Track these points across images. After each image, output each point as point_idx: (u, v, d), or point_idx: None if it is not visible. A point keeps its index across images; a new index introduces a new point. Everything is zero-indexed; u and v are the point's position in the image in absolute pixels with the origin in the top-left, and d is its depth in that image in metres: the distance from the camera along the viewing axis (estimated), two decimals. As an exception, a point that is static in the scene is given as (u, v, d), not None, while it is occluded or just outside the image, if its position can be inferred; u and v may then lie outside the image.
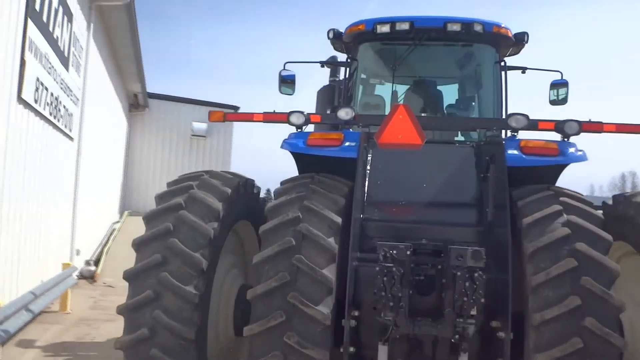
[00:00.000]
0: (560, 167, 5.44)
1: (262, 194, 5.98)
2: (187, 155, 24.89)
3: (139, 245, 4.46)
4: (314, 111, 7.78)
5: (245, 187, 5.22)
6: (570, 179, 5.84)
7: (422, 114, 6.84)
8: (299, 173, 5.58)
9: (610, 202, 5.24)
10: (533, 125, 5.26)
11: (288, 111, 5.49)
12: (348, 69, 7.58)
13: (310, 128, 5.81)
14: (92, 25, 13.22)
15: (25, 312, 7.21)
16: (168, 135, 24.50)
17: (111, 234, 18.22)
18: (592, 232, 4.28)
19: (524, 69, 7.30)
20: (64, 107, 11.09)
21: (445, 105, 7.50)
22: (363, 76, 7.53)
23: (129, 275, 4.39)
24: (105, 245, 16.75)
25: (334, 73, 8.34)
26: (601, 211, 4.90)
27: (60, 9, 10.25)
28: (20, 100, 8.32)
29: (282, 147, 5.37)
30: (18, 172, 8.50)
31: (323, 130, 6.59)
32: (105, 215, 18.60)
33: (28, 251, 9.26)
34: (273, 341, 4.06)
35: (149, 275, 4.30)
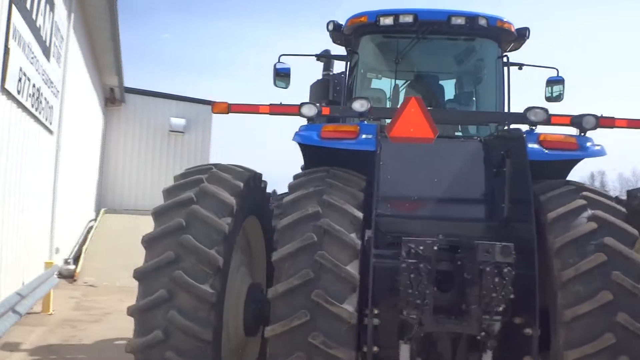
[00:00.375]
0: (574, 162, 5.35)
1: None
2: (164, 152, 24.38)
3: (149, 242, 4.19)
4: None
5: (254, 181, 4.99)
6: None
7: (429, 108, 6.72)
8: (307, 166, 5.35)
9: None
10: (548, 119, 5.15)
11: (299, 103, 5.28)
12: (348, 62, 7.41)
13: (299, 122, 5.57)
14: (72, 14, 12.78)
15: (12, 314, 6.85)
16: (145, 131, 23.95)
17: (88, 232, 17.73)
18: (619, 227, 4.17)
19: (520, 65, 7.23)
20: (45, 99, 10.67)
21: (446, 100, 7.37)
22: (364, 69, 7.36)
23: (139, 274, 4.11)
24: (83, 243, 16.27)
25: (327, 67, 8.15)
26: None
27: (43, -3, 9.85)
28: (4, 90, 7.93)
29: (294, 139, 5.14)
30: (0, 164, 8.11)
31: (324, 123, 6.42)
32: (82, 213, 18.09)
33: (10, 246, 8.84)
34: (297, 341, 3.84)
35: (162, 273, 4.02)
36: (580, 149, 4.94)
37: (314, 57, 8.15)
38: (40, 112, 10.25)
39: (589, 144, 5.02)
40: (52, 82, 11.22)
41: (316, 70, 8.30)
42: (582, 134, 5.08)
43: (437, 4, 7.29)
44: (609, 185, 72.24)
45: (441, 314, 4.17)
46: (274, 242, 4.37)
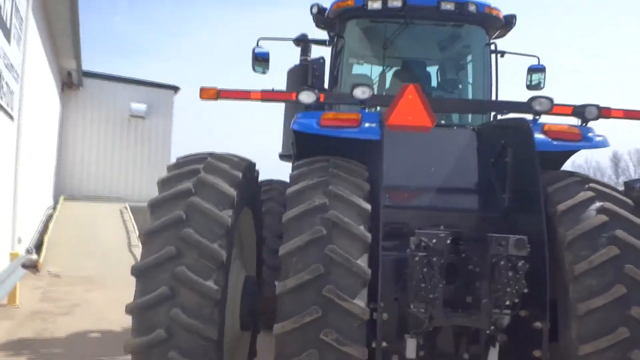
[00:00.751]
0: (572, 153, 5.38)
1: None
2: (125, 137, 23.80)
3: (147, 236, 4.00)
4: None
5: (250, 171, 4.83)
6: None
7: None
8: (304, 156, 5.21)
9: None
10: (552, 109, 5.13)
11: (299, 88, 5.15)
12: (333, 47, 7.28)
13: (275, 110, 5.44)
14: (32, -5, 12.20)
15: (-17, 309, 6.52)
16: (104, 116, 23.30)
17: (48, 221, 17.16)
18: (628, 219, 4.18)
19: (502, 53, 7.24)
20: (6, 83, 10.17)
21: (432, 87, 7.32)
22: (349, 55, 7.22)
23: (138, 270, 3.92)
24: (44, 232, 15.73)
25: (305, 51, 8.00)
26: None
27: (3, -25, 9.35)
28: (-34, 74, 7.50)
29: (292, 127, 4.99)
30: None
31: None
32: (41, 201, 17.48)
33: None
34: (308, 339, 3.72)
35: (163, 269, 3.85)
36: (584, 140, 4.93)
37: (291, 41, 8.02)
38: (1, 98, 9.77)
39: (591, 134, 5.03)
40: (12, 66, 10.70)
41: (291, 55, 8.16)
42: (584, 124, 5.09)
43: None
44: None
45: (450, 307, 4.15)
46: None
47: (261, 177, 5.56)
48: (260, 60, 7.59)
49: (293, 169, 4.72)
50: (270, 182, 7.77)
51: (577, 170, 6.38)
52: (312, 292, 3.78)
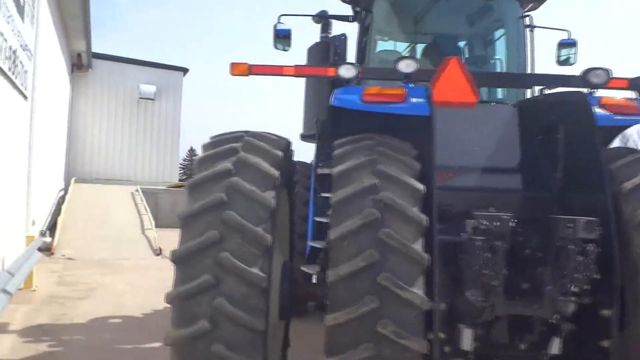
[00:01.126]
0: (624, 129, 5.08)
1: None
2: (134, 119, 23.60)
3: (186, 219, 3.72)
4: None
5: (288, 150, 4.55)
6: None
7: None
8: (342, 134, 4.92)
9: None
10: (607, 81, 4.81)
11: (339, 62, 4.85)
12: (362, 23, 6.98)
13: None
14: (44, -29, 11.88)
15: (2, 295, 6.29)
16: (114, 98, 23.11)
17: (60, 203, 16.97)
18: None
19: (531, 27, 6.92)
20: (21, 62, 9.89)
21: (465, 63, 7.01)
22: (378, 30, 6.91)
23: (178, 257, 3.64)
24: (57, 214, 15.54)
25: (325, 28, 7.68)
26: None
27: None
28: (-19, 51, 7.22)
29: (332, 103, 4.70)
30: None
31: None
32: (53, 183, 17.28)
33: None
34: (363, 331, 3.45)
35: (205, 255, 3.58)
36: None
37: (317, 16, 7.72)
38: (16, 77, 9.49)
39: None
40: (26, 45, 10.41)
41: (309, 33, 7.85)
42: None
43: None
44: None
45: (512, 295, 3.90)
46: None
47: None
48: (282, 37, 7.30)
49: (336, 147, 4.43)
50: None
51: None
52: (367, 280, 3.50)
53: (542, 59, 7.40)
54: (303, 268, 6.66)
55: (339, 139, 4.62)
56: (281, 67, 5.35)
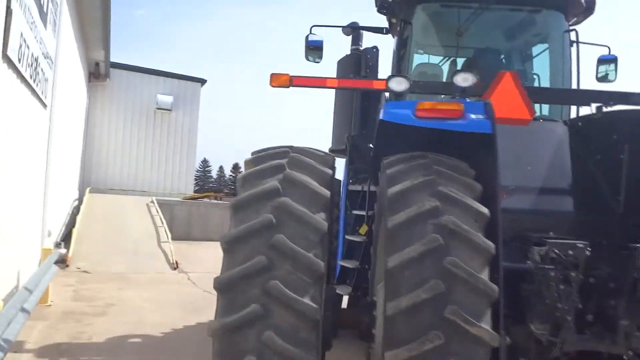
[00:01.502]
0: None
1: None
2: (150, 129, 23.43)
3: (231, 243, 3.40)
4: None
5: (334, 167, 4.24)
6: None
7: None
8: (390, 151, 4.60)
9: None
10: None
11: (387, 76, 4.56)
12: (400, 34, 6.71)
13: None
14: (66, -22, 11.70)
15: (21, 314, 5.99)
16: (131, 108, 22.94)
17: (74, 213, 16.73)
18: None
19: (571, 42, 6.63)
20: (42, 70, 9.66)
21: None
22: (417, 42, 6.63)
23: (222, 284, 3.32)
24: (71, 225, 15.28)
25: (356, 40, 7.44)
26: None
27: (42, -45, 8.81)
28: (5, 58, 6.95)
29: (382, 118, 4.38)
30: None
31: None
32: (68, 192, 17.06)
33: (8, 229, 7.89)
34: None
35: (252, 284, 3.26)
36: None
37: (348, 28, 7.47)
38: (37, 85, 9.25)
39: None
40: (47, 53, 10.19)
41: (338, 45, 7.59)
42: None
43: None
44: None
45: (579, 329, 3.60)
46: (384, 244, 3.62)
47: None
48: (313, 49, 7.07)
49: (387, 166, 4.10)
50: None
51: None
52: (432, 314, 3.17)
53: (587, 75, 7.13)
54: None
55: (386, 155, 4.32)
56: (324, 79, 5.11)
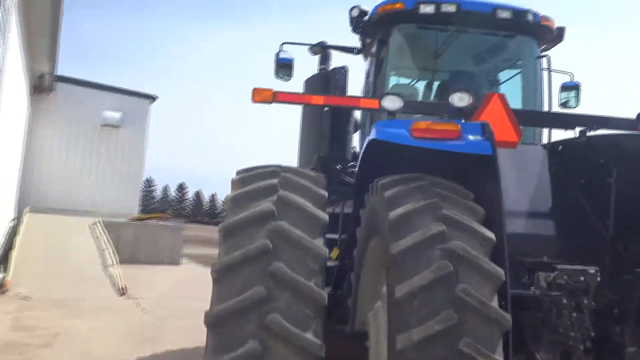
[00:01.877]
0: None
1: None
2: (96, 147, 22.57)
3: (223, 272, 3.04)
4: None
5: (327, 189, 3.95)
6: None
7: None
8: (378, 172, 4.36)
9: None
10: None
11: (381, 94, 4.35)
12: (375, 55, 6.55)
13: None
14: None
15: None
16: (76, 123, 22.03)
17: (12, 234, 15.76)
18: None
19: (548, 69, 6.67)
20: (-14, 79, 9.04)
21: None
22: (394, 63, 6.47)
23: (213, 319, 2.95)
24: (9, 247, 14.35)
25: (324, 60, 7.25)
26: None
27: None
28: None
29: (378, 137, 4.13)
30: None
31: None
32: (3, 212, 16.07)
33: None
34: None
35: (249, 317, 2.90)
36: None
37: (316, 46, 7.27)
38: (-19, 94, 8.62)
39: None
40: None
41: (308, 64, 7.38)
42: None
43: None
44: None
45: (586, 357, 3.46)
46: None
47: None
48: (283, 67, 6.83)
49: (383, 187, 3.84)
50: None
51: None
52: (445, 347, 2.91)
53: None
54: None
55: (374, 176, 4.09)
56: (310, 96, 4.86)
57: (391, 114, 4.35)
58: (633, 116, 4.85)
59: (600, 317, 3.58)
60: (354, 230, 4.56)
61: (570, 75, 7.10)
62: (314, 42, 7.27)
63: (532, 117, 5.45)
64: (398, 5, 6.04)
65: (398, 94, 4.43)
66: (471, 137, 3.96)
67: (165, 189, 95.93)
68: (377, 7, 6.21)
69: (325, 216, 3.33)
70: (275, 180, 3.51)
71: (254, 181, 3.54)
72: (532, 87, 6.36)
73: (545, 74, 6.40)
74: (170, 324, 9.92)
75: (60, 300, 11.46)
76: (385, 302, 3.96)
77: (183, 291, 14.07)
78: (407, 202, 3.50)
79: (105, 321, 9.98)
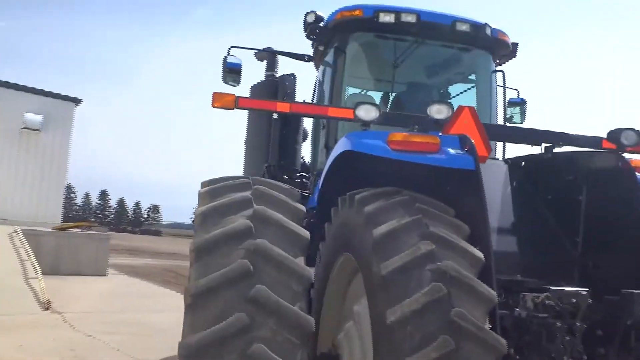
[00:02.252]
0: None
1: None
2: (15, 151, 21.26)
3: (198, 296, 2.72)
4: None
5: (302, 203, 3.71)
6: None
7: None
8: (351, 186, 4.14)
9: None
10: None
11: (355, 103, 4.16)
12: (332, 64, 6.37)
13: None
14: None
15: None
16: (-8, 126, 20.68)
17: None
18: None
19: (502, 86, 6.74)
20: None
21: None
22: (350, 72, 6.30)
23: (191, 350, 2.62)
24: None
25: (271, 67, 7.04)
26: None
27: None
28: None
29: (353, 148, 3.91)
30: None
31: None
32: None
33: None
34: None
35: (229, 348, 2.60)
36: None
37: (263, 52, 7.04)
38: None
39: None
40: None
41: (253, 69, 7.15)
42: None
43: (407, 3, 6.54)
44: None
45: None
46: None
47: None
48: (231, 71, 6.55)
49: (361, 202, 3.63)
50: None
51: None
52: None
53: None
54: None
55: (340, 189, 3.92)
56: (274, 102, 4.59)
57: (365, 124, 4.14)
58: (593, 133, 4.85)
59: (589, 340, 3.50)
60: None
61: (516, 91, 7.20)
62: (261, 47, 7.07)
63: (501, 132, 5.37)
64: (357, 13, 5.89)
65: (374, 104, 4.25)
66: (452, 151, 3.81)
67: (87, 196, 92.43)
68: (334, 13, 6.04)
69: (306, 233, 3.09)
70: (247, 193, 3.23)
71: (224, 193, 3.25)
72: (487, 102, 6.35)
73: (500, 89, 6.45)
74: (101, 340, 9.34)
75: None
76: (357, 321, 3.75)
77: (112, 304, 13.43)
78: (390, 219, 3.31)
79: (31, 338, 9.25)
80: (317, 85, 6.86)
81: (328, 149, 5.83)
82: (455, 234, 3.28)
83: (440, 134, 4.11)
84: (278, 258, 2.85)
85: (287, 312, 2.71)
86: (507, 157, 5.81)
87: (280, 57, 7.07)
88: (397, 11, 5.76)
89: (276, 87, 6.63)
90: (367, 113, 4.06)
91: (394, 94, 6.70)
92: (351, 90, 6.69)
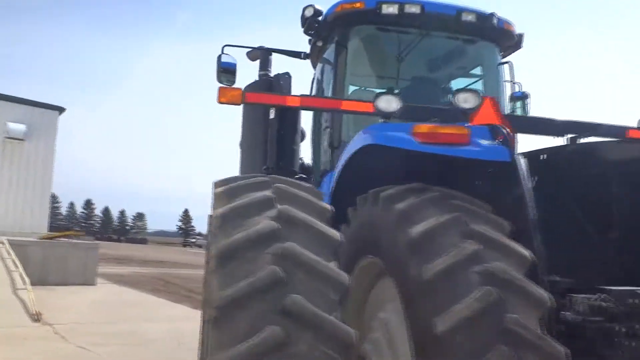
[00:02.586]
0: None
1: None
2: (-1, 160, 20.74)
3: (226, 309, 2.41)
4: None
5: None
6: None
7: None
8: (371, 183, 3.85)
9: None
10: None
11: (375, 94, 3.89)
12: (328, 60, 6.12)
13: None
14: None
15: None
16: (-25, 136, 20.18)
17: None
18: None
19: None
20: None
21: None
22: (352, 67, 6.03)
23: None
24: None
25: (265, 65, 6.73)
26: None
27: None
28: None
29: (376, 141, 3.62)
30: None
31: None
32: None
33: None
34: None
35: None
36: None
37: (256, 51, 6.73)
38: None
39: None
40: None
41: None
42: None
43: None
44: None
45: None
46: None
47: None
48: (226, 71, 6.24)
49: (388, 200, 3.33)
50: None
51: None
52: None
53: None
54: None
55: (358, 186, 3.71)
56: (284, 97, 4.32)
57: (386, 117, 3.85)
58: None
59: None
60: None
61: (518, 85, 6.97)
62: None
63: (523, 124, 5.06)
64: (358, 5, 5.63)
65: (396, 94, 3.95)
66: (484, 142, 3.54)
67: (72, 206, 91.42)
68: (334, 6, 5.79)
69: (336, 234, 2.80)
70: (268, 192, 2.93)
71: (243, 193, 2.96)
72: (494, 93, 6.11)
73: (508, 83, 6.27)
74: (94, 352, 9.01)
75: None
76: (386, 330, 3.46)
77: (102, 314, 13.09)
78: (426, 217, 3.03)
79: (21, 352, 8.90)
80: (314, 83, 6.63)
81: (333, 148, 5.57)
82: (499, 232, 3.00)
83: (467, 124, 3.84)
84: (310, 263, 2.57)
85: (324, 323, 2.43)
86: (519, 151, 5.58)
87: (273, 57, 6.80)
88: (401, 2, 5.53)
89: (271, 86, 6.36)
90: (388, 104, 3.78)
91: (397, 90, 6.45)
92: (352, 87, 6.43)
